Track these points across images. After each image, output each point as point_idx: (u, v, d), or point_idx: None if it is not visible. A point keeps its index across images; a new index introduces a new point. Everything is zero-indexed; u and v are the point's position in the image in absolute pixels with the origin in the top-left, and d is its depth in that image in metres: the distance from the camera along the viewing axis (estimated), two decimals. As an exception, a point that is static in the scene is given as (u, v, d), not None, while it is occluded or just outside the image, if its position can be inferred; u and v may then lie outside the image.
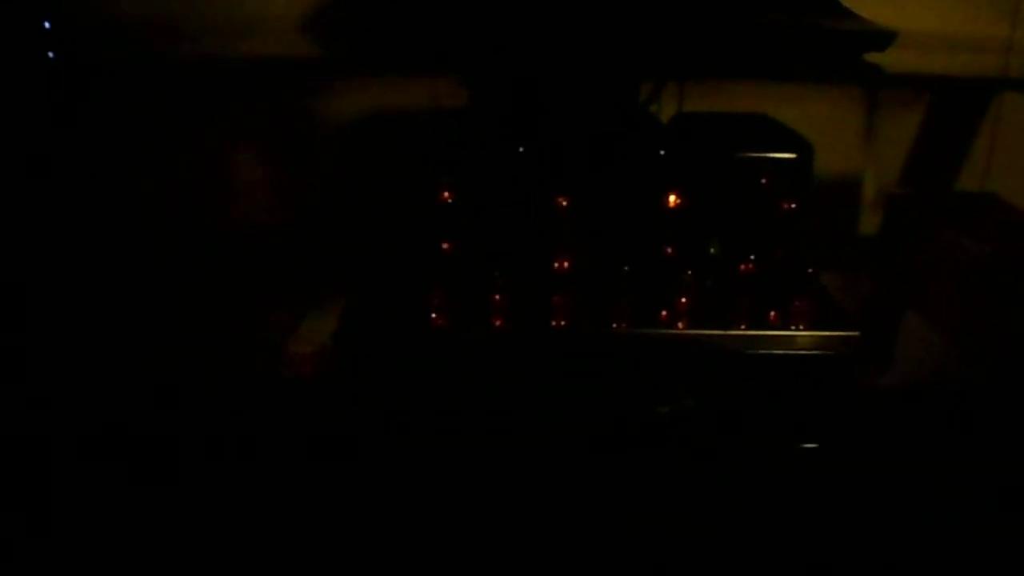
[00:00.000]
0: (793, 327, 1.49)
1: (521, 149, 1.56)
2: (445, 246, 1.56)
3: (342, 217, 2.00)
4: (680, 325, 1.50)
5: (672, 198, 1.54)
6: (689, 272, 1.52)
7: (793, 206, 1.55)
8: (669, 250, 1.56)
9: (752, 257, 1.52)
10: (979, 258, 1.72)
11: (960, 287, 1.74)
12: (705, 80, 2.04)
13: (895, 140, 2.14)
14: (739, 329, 1.48)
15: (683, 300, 1.50)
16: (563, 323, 1.49)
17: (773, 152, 1.60)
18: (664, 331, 1.49)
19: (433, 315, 1.50)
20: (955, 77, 1.94)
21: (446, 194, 1.54)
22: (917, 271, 1.91)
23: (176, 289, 1.86)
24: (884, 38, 1.61)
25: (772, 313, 1.50)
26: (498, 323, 1.49)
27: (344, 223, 1.99)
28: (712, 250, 1.58)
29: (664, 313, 1.51)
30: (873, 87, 1.97)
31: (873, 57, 1.63)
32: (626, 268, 1.51)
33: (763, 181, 1.56)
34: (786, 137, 1.67)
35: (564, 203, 1.53)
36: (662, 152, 1.59)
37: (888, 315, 1.88)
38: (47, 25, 1.71)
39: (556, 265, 1.51)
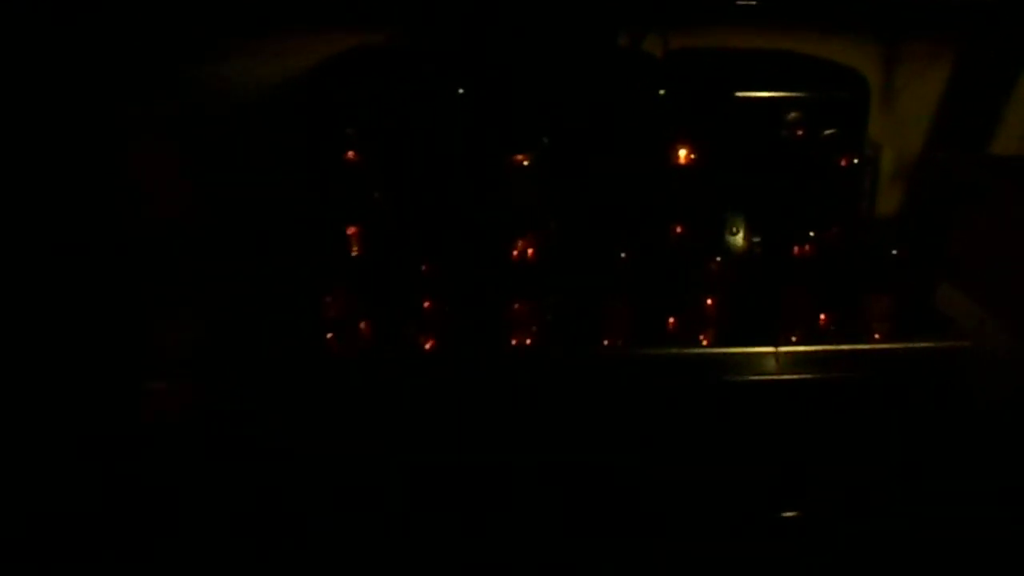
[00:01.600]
0: (874, 338, 1.00)
1: (462, 91, 1.06)
2: (351, 230, 1.05)
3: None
4: (703, 341, 1.01)
5: (682, 154, 1.05)
6: (712, 260, 1.02)
7: (855, 161, 1.07)
8: (678, 228, 1.06)
9: (810, 235, 1.02)
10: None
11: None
12: (693, 29, 1.57)
13: (917, 101, 1.72)
14: (791, 344, 0.98)
15: (705, 302, 1.00)
16: (528, 342, 0.98)
17: (818, 90, 1.12)
18: (677, 351, 0.99)
19: (330, 334, 0.98)
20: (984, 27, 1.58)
21: (352, 153, 1.04)
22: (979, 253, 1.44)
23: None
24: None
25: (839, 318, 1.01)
26: (428, 344, 0.98)
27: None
28: (735, 229, 1.09)
29: (674, 321, 1.01)
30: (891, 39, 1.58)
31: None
32: (620, 256, 1.01)
33: (809, 129, 1.07)
34: (831, 71, 1.20)
35: (524, 163, 1.03)
36: (661, 92, 1.10)
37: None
38: None
39: (514, 254, 1.01)
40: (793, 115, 1.13)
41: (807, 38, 1.59)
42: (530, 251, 1.00)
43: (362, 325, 1.01)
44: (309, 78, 1.11)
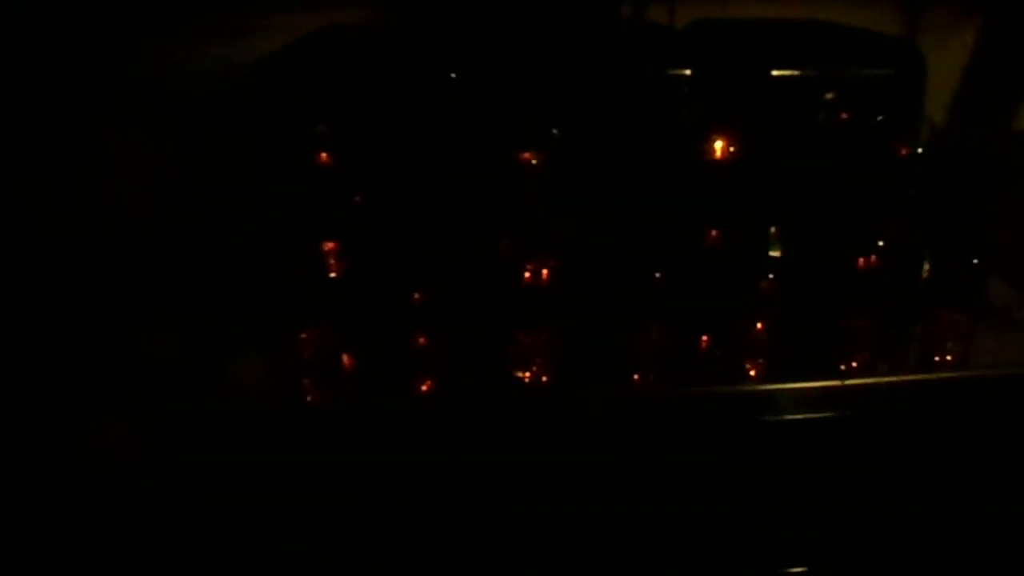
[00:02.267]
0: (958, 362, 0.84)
1: (454, 75, 0.89)
2: (327, 247, 0.88)
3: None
4: (750, 370, 0.84)
5: (718, 147, 0.88)
6: (757, 275, 0.85)
7: (916, 151, 0.91)
8: (715, 238, 0.89)
9: (870, 242, 0.86)
10: None
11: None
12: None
13: (938, 72, 1.62)
14: (858, 374, 0.82)
15: (754, 326, 0.84)
16: (544, 379, 0.82)
17: (869, 66, 0.96)
18: (724, 389, 0.82)
19: (305, 376, 0.81)
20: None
21: (324, 155, 0.87)
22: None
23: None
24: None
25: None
26: (423, 386, 0.81)
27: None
28: (781, 236, 0.92)
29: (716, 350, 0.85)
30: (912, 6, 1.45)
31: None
32: (650, 272, 0.84)
33: (858, 114, 0.91)
34: (879, 44, 1.03)
35: (532, 162, 0.86)
36: (687, 71, 0.94)
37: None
38: None
39: (525, 275, 0.84)
40: (837, 97, 0.97)
41: (821, 4, 1.45)
42: (544, 272, 0.83)
43: (343, 363, 0.84)
44: (270, 64, 0.93)
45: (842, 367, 0.88)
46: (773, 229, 0.93)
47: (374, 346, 0.84)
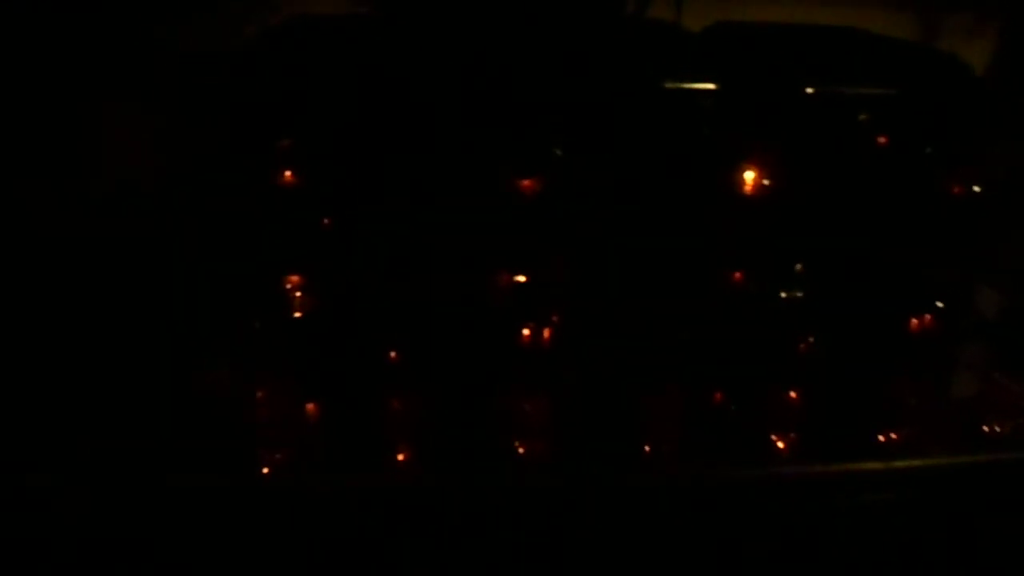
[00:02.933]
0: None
1: (441, 76, 0.77)
2: (290, 280, 0.76)
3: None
4: (778, 444, 0.72)
5: (748, 176, 0.76)
6: (791, 333, 0.73)
7: (979, 189, 0.79)
8: (736, 276, 0.77)
9: (927, 297, 0.74)
10: None
11: None
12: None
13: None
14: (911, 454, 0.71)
15: (788, 394, 0.72)
16: (539, 452, 0.69)
17: (917, 84, 0.84)
18: (755, 472, 0.70)
19: (262, 447, 0.69)
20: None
21: (289, 174, 0.74)
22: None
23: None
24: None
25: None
26: (398, 459, 0.69)
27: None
28: (819, 286, 0.80)
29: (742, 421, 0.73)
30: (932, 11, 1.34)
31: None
32: (666, 326, 0.71)
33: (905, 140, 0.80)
34: (928, 60, 0.91)
35: (530, 189, 0.73)
36: (711, 86, 0.82)
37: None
38: None
39: (523, 332, 0.71)
40: (879, 118, 0.85)
41: (838, 7, 1.33)
42: (546, 332, 0.70)
43: (305, 432, 0.71)
44: (225, 65, 0.80)
45: (881, 439, 0.76)
46: (799, 267, 0.81)
47: (343, 410, 0.71)
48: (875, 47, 0.93)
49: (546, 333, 0.72)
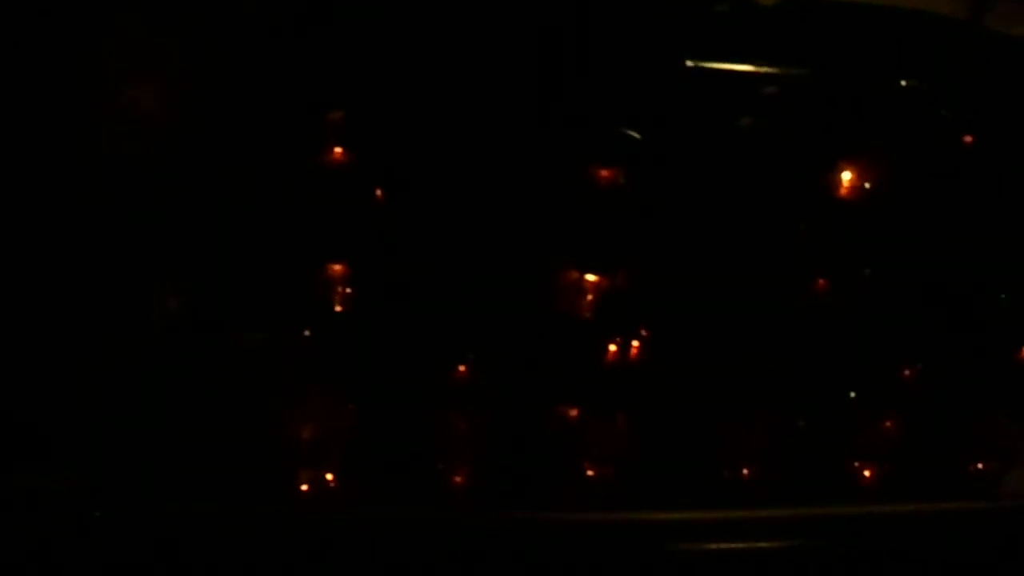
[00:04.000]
0: None
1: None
2: (335, 269, 0.67)
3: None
4: (865, 475, 0.66)
5: (845, 177, 0.68)
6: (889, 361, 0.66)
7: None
8: (820, 282, 0.69)
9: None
10: None
11: None
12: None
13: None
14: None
15: (883, 425, 0.65)
16: (609, 483, 0.62)
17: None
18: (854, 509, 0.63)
19: (297, 465, 0.60)
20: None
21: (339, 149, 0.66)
22: None
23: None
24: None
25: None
26: (451, 487, 0.61)
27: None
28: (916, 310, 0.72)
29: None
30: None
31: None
32: (752, 356, 0.64)
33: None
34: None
35: (608, 179, 0.65)
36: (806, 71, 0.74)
37: None
38: None
39: (601, 351, 0.62)
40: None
41: None
42: (618, 345, 0.62)
43: (345, 451, 0.62)
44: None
45: (971, 470, 0.69)
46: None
47: (386, 427, 0.63)
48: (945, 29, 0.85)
49: (618, 346, 0.64)
